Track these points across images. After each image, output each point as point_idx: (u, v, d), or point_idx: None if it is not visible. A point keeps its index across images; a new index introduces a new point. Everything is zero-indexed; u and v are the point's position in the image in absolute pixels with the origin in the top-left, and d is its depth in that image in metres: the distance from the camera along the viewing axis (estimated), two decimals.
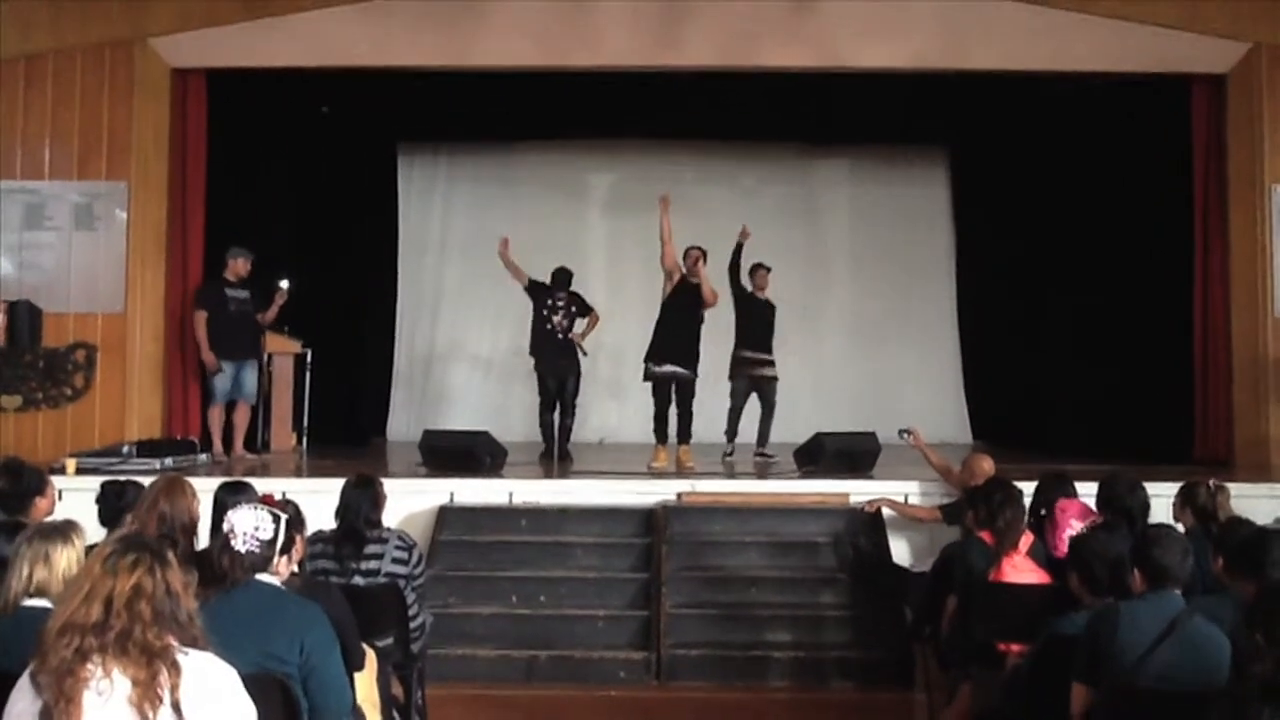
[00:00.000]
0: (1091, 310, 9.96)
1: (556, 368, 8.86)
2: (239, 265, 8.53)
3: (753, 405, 8.95)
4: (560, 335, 8.78)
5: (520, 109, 10.37)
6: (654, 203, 8.45)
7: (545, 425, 8.97)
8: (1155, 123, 9.41)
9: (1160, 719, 3.15)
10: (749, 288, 8.89)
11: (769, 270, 9.01)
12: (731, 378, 8.89)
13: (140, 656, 2.29)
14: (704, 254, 8.20)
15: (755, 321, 8.87)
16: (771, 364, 8.90)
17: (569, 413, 9.01)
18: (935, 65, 8.95)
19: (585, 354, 9.03)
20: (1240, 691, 2.76)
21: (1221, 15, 8.77)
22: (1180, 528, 4.66)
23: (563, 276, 8.92)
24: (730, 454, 8.83)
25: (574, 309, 8.88)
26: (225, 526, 3.23)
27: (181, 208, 8.94)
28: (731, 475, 7.91)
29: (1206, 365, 8.99)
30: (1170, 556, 3.41)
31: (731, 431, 8.92)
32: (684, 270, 8.21)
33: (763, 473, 8.10)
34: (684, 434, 8.21)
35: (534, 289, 8.89)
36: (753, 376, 8.85)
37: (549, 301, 8.81)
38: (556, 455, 8.88)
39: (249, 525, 3.20)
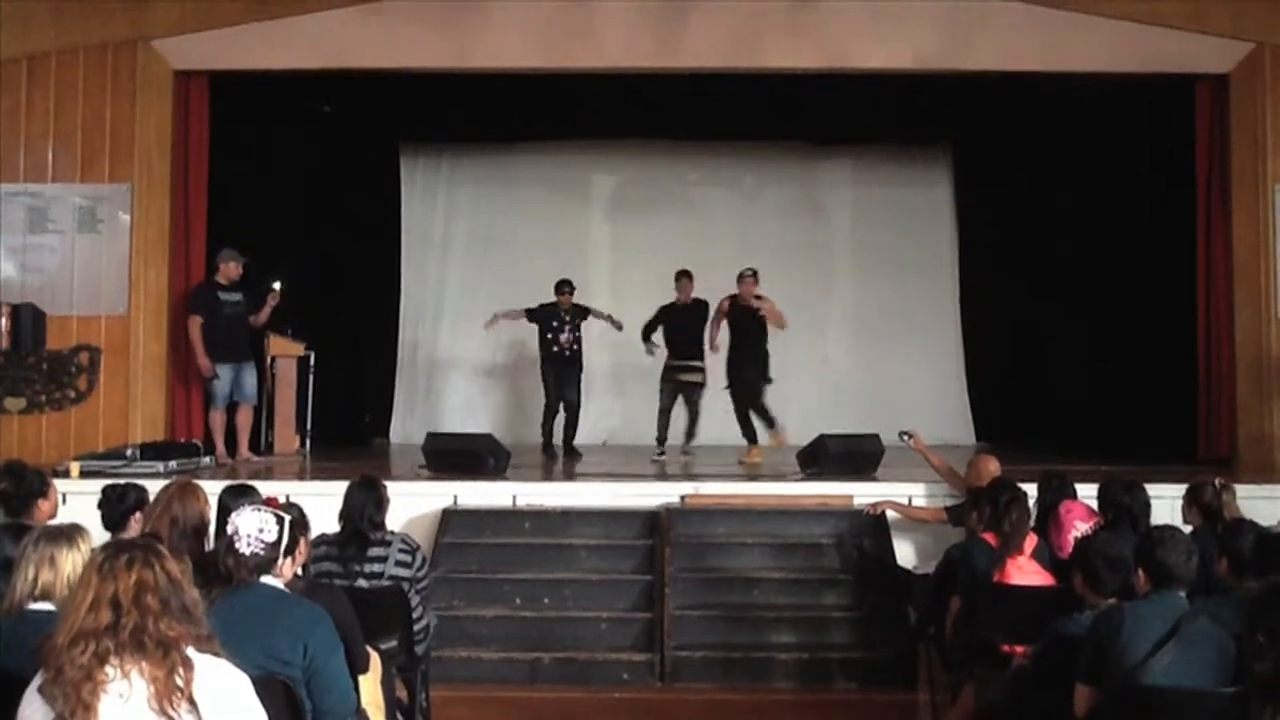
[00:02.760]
0: (1094, 310, 9.95)
1: (562, 375, 9.06)
2: (230, 268, 8.43)
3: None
4: (566, 352, 8.88)
5: (522, 110, 10.40)
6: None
7: (547, 432, 9.11)
8: (1158, 122, 9.42)
9: None
10: (674, 297, 9.09)
11: (691, 279, 9.10)
12: (661, 382, 9.15)
13: (156, 650, 2.29)
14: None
15: (679, 330, 9.07)
16: (697, 369, 9.05)
17: (574, 412, 9.18)
18: (937, 65, 8.94)
19: (620, 327, 9.20)
20: (1243, 692, 2.75)
21: (1225, 15, 8.77)
22: (1187, 527, 4.66)
23: (566, 287, 9.09)
24: (662, 455, 9.00)
25: (580, 321, 9.03)
26: (229, 528, 3.23)
27: (184, 210, 8.93)
28: (735, 477, 7.91)
29: (1210, 364, 8.98)
30: (1174, 557, 3.40)
31: (662, 435, 9.10)
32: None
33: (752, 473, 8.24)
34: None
35: (537, 314, 8.96)
36: (678, 382, 9.08)
37: (554, 323, 8.90)
38: (562, 452, 9.02)
39: (253, 527, 3.19)
